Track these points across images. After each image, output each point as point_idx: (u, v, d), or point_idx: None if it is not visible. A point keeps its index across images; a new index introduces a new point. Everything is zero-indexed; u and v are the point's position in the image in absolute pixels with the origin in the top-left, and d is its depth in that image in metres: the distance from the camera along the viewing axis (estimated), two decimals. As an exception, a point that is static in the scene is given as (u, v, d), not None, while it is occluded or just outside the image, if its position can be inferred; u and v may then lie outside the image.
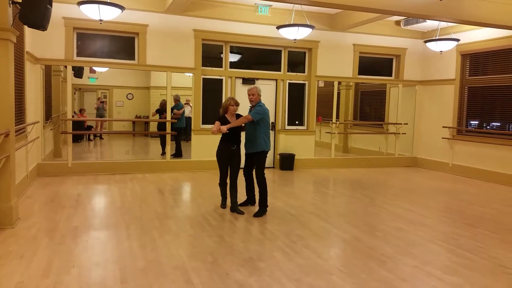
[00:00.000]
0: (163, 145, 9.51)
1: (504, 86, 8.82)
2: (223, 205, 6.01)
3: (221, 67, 9.34)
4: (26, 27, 6.25)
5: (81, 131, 12.80)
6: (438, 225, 5.59)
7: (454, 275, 3.81)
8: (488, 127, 9.34)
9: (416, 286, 3.61)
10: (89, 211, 5.79)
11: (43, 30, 5.04)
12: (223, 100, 9.19)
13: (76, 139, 12.62)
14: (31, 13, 4.60)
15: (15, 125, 5.87)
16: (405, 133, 10.77)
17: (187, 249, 4.37)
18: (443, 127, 9.98)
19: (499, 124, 9.09)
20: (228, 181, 5.86)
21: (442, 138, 10.02)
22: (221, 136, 5.77)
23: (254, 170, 5.86)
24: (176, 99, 10.39)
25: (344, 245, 4.72)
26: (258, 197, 5.81)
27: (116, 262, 3.89)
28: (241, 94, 9.37)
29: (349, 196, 7.34)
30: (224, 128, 5.45)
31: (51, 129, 9.02)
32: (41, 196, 6.46)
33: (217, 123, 5.59)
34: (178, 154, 9.82)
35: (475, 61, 9.51)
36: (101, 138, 15.14)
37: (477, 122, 9.59)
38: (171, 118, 9.23)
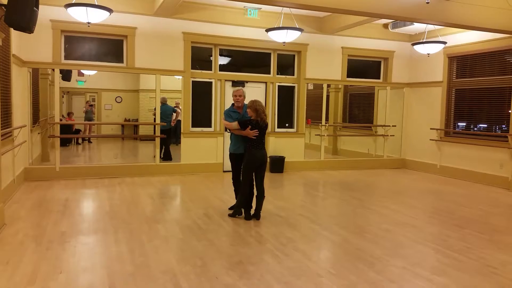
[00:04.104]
0: (160, 148, 9.50)
1: (490, 88, 8.94)
2: (249, 216, 5.59)
3: (211, 69, 9.33)
4: (12, 29, 6.18)
5: (69, 135, 12.68)
6: (426, 226, 5.63)
7: (442, 276, 3.85)
8: (475, 128, 9.45)
9: (405, 287, 3.63)
10: (77, 216, 5.72)
11: (30, 33, 4.99)
12: (213, 102, 9.29)
13: (64, 143, 12.49)
14: (16, 15, 4.55)
15: (1, 129, 5.80)
16: (394, 135, 10.85)
17: (176, 253, 4.34)
18: (431, 129, 10.08)
19: (486, 125, 9.21)
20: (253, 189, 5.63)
21: (430, 139, 10.12)
22: (247, 141, 5.48)
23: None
24: (161, 102, 10.36)
25: (334, 247, 4.73)
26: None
27: (104, 267, 3.85)
28: (231, 97, 9.33)
29: (338, 198, 7.37)
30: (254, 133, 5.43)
31: (38, 133, 8.92)
32: (28, 201, 6.37)
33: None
34: (166, 157, 9.75)
35: (462, 63, 9.63)
36: (89, 141, 15.01)
37: (464, 124, 9.70)
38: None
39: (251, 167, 5.49)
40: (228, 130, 5.88)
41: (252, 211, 5.63)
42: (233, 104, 5.80)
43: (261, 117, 5.43)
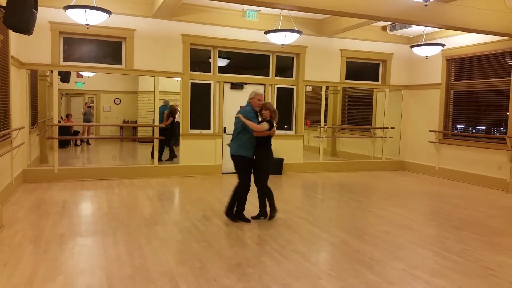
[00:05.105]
0: (161, 151, 9.60)
1: (488, 91, 8.96)
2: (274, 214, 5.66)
3: (210, 71, 9.34)
4: (11, 31, 6.18)
5: (67, 137, 12.65)
6: (425, 228, 5.64)
7: (441, 278, 3.85)
8: (474, 130, 9.47)
9: (404, 289, 3.64)
10: (76, 218, 5.71)
11: (28, 35, 5.00)
12: (212, 104, 9.29)
13: (63, 144, 12.47)
14: (15, 17, 4.55)
15: (0, 131, 5.80)
16: (392, 137, 10.87)
17: (175, 254, 4.34)
18: (429, 131, 10.09)
19: (484, 127, 9.23)
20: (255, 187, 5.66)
21: (429, 142, 10.13)
22: (264, 141, 5.53)
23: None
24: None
25: (332, 249, 4.73)
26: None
27: (103, 269, 3.85)
28: (230, 99, 9.40)
29: (337, 200, 7.38)
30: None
31: (37, 135, 8.91)
32: (26, 202, 6.36)
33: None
34: (160, 158, 9.69)
35: (460, 65, 9.65)
36: (88, 143, 14.98)
37: (462, 126, 9.72)
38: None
39: (270, 165, 5.65)
40: (238, 132, 5.55)
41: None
42: (249, 106, 5.59)
43: (275, 118, 5.59)
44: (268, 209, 5.71)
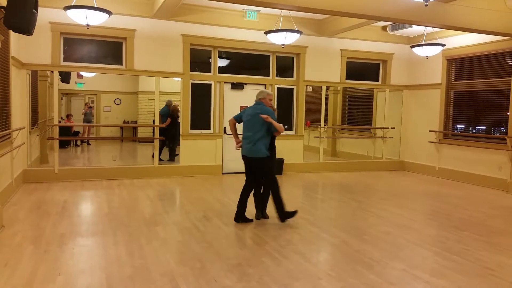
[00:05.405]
0: (161, 150, 9.64)
1: (489, 91, 8.96)
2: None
3: (210, 72, 9.34)
4: (11, 31, 6.18)
5: (68, 137, 12.66)
6: (425, 228, 5.64)
7: (441, 278, 3.85)
8: (474, 130, 9.46)
9: (404, 289, 3.64)
10: (76, 218, 5.71)
11: (29, 35, 5.00)
12: (212, 104, 9.29)
13: (63, 145, 12.49)
14: (16, 17, 4.55)
15: (0, 131, 5.80)
16: (392, 137, 10.87)
17: (175, 255, 4.34)
18: (429, 131, 10.09)
19: (484, 127, 9.23)
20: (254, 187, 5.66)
21: (429, 142, 10.13)
22: (273, 141, 5.61)
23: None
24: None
25: (333, 249, 4.73)
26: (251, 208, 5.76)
27: (103, 270, 3.85)
28: (230, 99, 9.40)
29: (337, 200, 7.38)
30: None
31: (37, 135, 8.92)
32: (26, 203, 6.36)
33: None
34: (159, 157, 9.71)
35: (461, 65, 9.65)
36: (88, 143, 15.00)
37: (463, 126, 9.72)
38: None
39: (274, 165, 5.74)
40: (262, 134, 5.41)
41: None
42: (264, 105, 5.49)
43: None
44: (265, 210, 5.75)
